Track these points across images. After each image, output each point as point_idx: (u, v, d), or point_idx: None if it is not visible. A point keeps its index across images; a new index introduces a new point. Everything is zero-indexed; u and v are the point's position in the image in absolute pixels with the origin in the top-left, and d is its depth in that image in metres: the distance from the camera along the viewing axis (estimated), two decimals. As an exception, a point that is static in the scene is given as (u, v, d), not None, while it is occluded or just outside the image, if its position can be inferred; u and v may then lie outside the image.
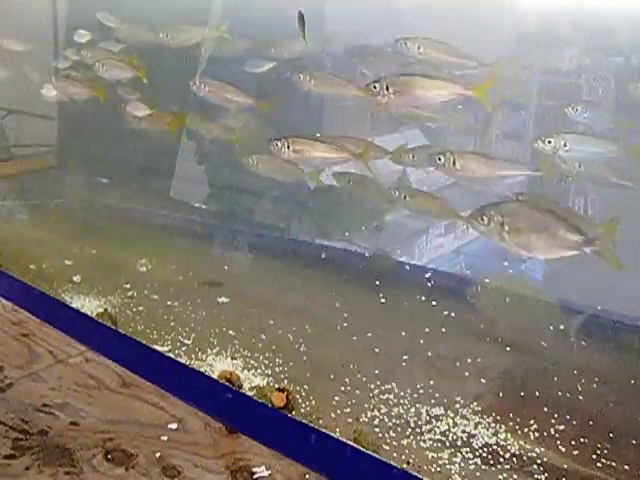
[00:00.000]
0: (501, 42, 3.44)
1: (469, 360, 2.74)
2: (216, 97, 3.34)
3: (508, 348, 2.82)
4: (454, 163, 2.58)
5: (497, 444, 2.22)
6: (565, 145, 2.56)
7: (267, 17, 3.68)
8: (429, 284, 3.25)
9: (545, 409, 2.41)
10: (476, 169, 2.59)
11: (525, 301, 2.96)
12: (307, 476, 2.11)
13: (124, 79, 3.70)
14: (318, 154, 2.89)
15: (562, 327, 2.89)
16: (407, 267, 3.65)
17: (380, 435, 2.24)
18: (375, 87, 2.55)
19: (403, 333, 2.94)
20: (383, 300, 3.22)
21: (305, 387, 2.50)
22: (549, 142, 2.57)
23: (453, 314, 3.04)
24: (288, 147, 2.88)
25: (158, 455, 2.18)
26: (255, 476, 2.10)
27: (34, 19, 4.75)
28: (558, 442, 2.24)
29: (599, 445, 2.23)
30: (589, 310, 2.97)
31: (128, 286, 3.29)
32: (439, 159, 2.60)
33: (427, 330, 2.94)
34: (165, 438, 2.27)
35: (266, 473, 2.11)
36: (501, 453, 2.18)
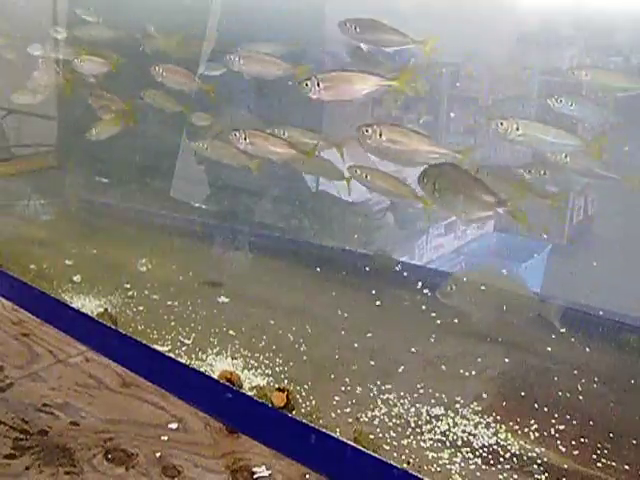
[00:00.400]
0: (501, 42, 3.45)
1: (469, 360, 2.74)
2: (170, 81, 3.57)
3: (508, 348, 2.82)
4: (380, 135, 2.64)
5: (497, 444, 2.22)
6: (517, 129, 2.59)
7: (268, 18, 3.68)
8: (429, 284, 3.25)
9: (545, 409, 2.41)
10: (404, 142, 2.66)
11: (505, 296, 2.97)
12: (307, 476, 2.11)
13: (100, 73, 3.91)
14: (270, 148, 3.13)
15: (563, 330, 2.89)
16: (406, 267, 3.66)
17: (380, 435, 2.24)
18: (307, 84, 2.75)
19: (403, 333, 2.94)
20: (383, 300, 3.22)
21: (305, 387, 2.50)
22: (501, 124, 2.61)
23: (453, 313, 3.04)
24: (245, 138, 3.12)
25: (158, 455, 2.18)
26: (255, 476, 2.10)
27: (34, 19, 4.75)
28: (558, 442, 2.24)
29: (599, 445, 2.23)
30: (575, 305, 3.00)
31: (128, 286, 3.29)
32: (366, 131, 2.66)
33: (427, 330, 2.94)
34: (165, 438, 2.27)
35: (266, 473, 2.11)
36: (501, 453, 2.18)
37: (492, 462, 2.14)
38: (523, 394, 2.52)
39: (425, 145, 2.65)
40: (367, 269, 3.51)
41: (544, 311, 2.83)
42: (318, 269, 3.55)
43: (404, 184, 3.00)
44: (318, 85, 2.73)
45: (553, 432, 2.29)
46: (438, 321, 3.00)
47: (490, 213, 2.45)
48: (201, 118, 3.76)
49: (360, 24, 2.87)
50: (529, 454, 2.18)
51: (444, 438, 2.25)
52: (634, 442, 2.25)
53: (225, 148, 3.42)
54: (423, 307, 3.12)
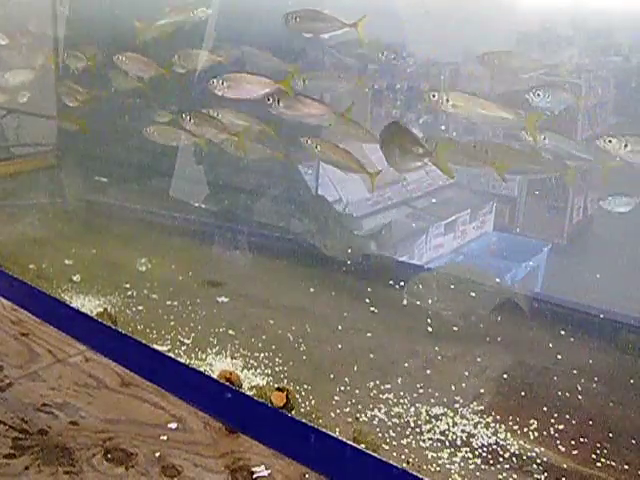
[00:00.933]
0: (501, 42, 3.45)
1: (469, 359, 2.74)
2: (132, 67, 3.78)
3: (507, 348, 2.82)
4: (279, 102, 3.15)
5: (497, 444, 2.22)
6: (448, 101, 2.81)
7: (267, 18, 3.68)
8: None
9: (545, 409, 2.41)
10: (297, 107, 3.16)
11: (473, 289, 2.99)
12: (307, 475, 2.11)
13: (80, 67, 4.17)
14: (210, 129, 3.47)
15: (562, 329, 2.89)
16: (406, 267, 3.66)
17: (380, 435, 2.24)
18: (213, 82, 3.23)
19: (403, 332, 2.94)
20: (383, 299, 3.22)
21: (305, 387, 2.50)
22: (433, 96, 2.84)
23: (452, 313, 3.04)
24: (190, 120, 3.48)
25: (158, 454, 2.18)
26: (255, 475, 2.10)
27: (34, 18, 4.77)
28: (558, 442, 2.24)
29: (599, 445, 2.23)
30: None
31: (128, 285, 3.29)
32: (268, 100, 3.17)
33: (427, 329, 2.94)
34: (165, 437, 2.27)
35: (266, 472, 2.11)
36: (501, 453, 2.18)
37: (491, 462, 2.14)
38: (523, 394, 2.52)
39: (314, 109, 3.15)
40: (367, 269, 3.51)
41: (514, 301, 2.89)
42: (318, 268, 3.55)
43: (353, 157, 3.21)
44: (223, 83, 3.20)
45: (553, 432, 2.29)
46: (437, 320, 3.00)
47: (419, 163, 2.72)
48: (162, 115, 4.01)
49: (299, 15, 3.19)
50: (528, 454, 2.18)
51: (443, 438, 2.25)
52: (633, 442, 2.25)
53: (169, 131, 3.77)
54: (422, 306, 3.11)
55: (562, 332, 2.93)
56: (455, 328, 2.95)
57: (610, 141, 2.54)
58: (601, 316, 2.95)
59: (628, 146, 2.53)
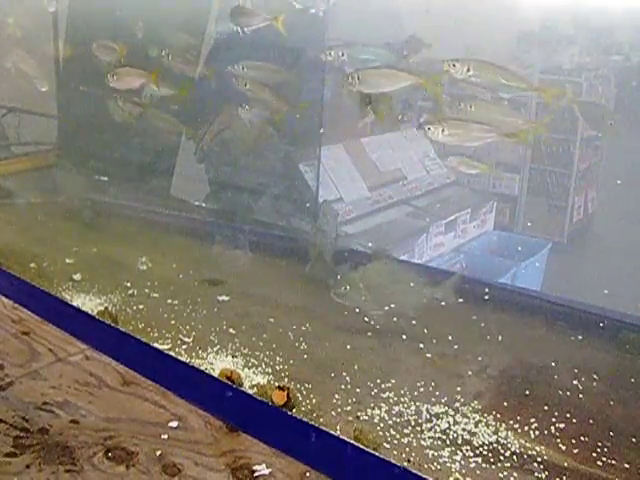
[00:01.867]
0: (502, 41, 3.45)
1: (469, 358, 2.74)
2: (101, 53, 4.09)
3: (508, 346, 2.82)
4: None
5: (497, 442, 2.23)
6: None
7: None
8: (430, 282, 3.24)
9: (545, 407, 2.42)
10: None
11: (399, 286, 3.00)
12: (307, 474, 2.11)
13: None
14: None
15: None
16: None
17: (381, 433, 2.24)
18: (107, 76, 3.78)
19: (403, 331, 2.94)
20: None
21: (306, 385, 2.50)
22: (350, 78, 3.03)
23: (452, 312, 3.05)
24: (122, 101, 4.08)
25: (159, 453, 2.18)
26: (255, 474, 2.10)
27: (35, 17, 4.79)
28: (558, 440, 2.24)
29: (599, 443, 2.23)
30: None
31: (128, 284, 3.29)
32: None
33: (427, 328, 2.94)
34: (165, 436, 2.26)
35: (266, 471, 2.11)
36: (501, 451, 2.19)
37: (492, 460, 2.14)
38: (523, 392, 2.52)
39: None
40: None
41: (439, 291, 2.97)
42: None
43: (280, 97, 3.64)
44: (113, 77, 3.76)
45: (553, 430, 2.29)
46: (437, 319, 3.00)
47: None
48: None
49: (230, 12, 3.66)
50: (529, 452, 2.18)
51: (444, 436, 2.25)
52: (634, 440, 2.25)
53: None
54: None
55: (563, 331, 2.93)
56: (454, 326, 2.95)
57: (429, 128, 2.74)
58: (602, 314, 2.95)
59: (445, 131, 2.73)
